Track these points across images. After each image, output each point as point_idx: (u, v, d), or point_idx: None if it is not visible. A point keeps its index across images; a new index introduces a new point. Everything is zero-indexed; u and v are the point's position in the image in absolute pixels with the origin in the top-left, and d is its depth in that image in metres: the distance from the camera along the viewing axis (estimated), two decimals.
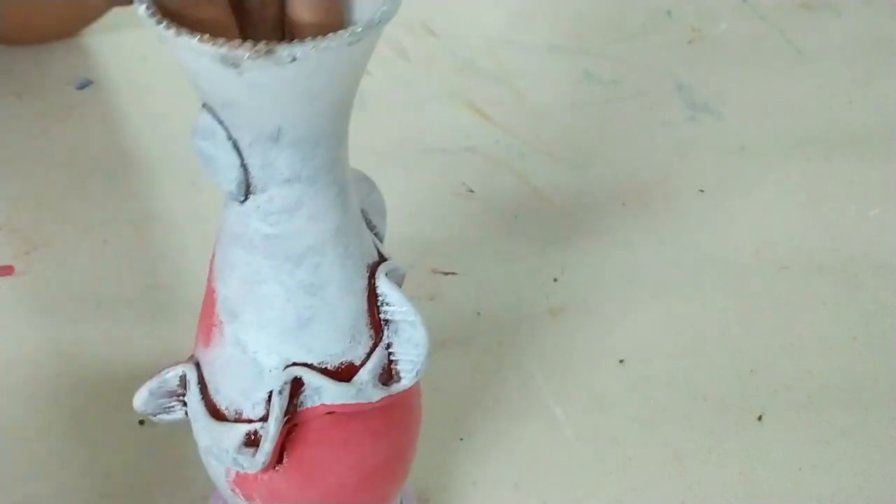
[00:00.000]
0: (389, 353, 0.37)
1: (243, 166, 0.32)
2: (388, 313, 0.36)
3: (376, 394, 0.36)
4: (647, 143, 0.68)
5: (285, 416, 0.35)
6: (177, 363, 0.37)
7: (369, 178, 0.38)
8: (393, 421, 0.39)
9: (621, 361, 0.53)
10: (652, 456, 0.49)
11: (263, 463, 0.35)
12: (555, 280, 0.57)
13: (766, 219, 0.63)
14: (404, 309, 0.36)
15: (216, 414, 0.36)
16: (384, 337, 0.37)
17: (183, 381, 0.37)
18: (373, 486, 0.39)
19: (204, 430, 0.36)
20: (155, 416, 0.38)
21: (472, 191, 0.61)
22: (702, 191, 0.64)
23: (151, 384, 0.37)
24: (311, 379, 0.35)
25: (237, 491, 0.38)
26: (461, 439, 0.48)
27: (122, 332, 0.52)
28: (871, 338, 0.56)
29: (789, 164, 0.67)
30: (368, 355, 0.36)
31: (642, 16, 0.78)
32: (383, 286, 0.36)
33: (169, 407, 0.38)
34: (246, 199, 0.33)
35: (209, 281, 0.36)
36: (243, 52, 0.27)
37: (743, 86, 0.73)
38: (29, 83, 0.64)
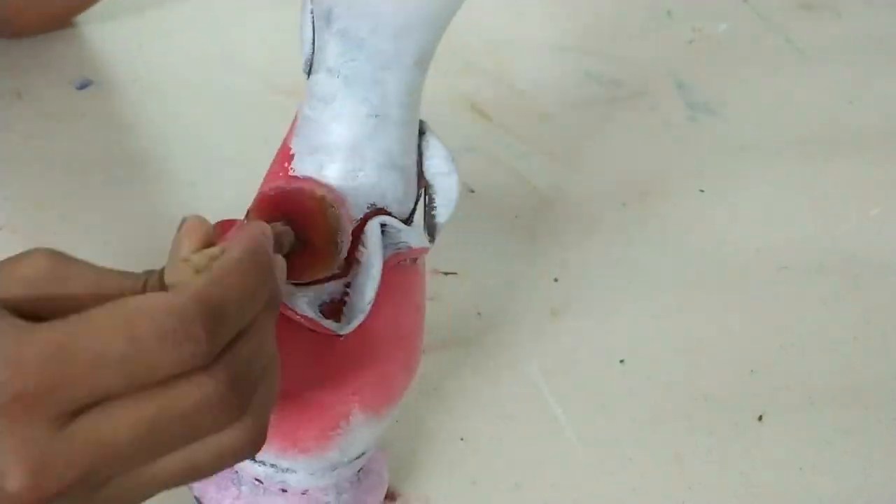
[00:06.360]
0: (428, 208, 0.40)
1: (314, 43, 0.36)
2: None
3: (427, 240, 0.39)
4: (647, 143, 0.68)
5: None
6: None
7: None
8: (422, 283, 0.41)
9: (621, 361, 0.53)
10: (652, 456, 0.49)
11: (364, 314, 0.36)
12: (555, 280, 0.57)
13: (766, 219, 0.63)
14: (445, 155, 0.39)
15: None
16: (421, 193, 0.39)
17: None
18: (415, 350, 0.40)
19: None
20: None
21: (472, 191, 0.61)
22: (702, 191, 0.64)
23: None
24: (393, 222, 0.37)
25: None
26: (461, 439, 0.48)
27: None
28: (871, 338, 0.56)
29: (789, 164, 0.67)
30: (414, 209, 0.39)
31: (642, 16, 0.78)
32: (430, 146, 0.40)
33: None
34: (308, 77, 0.37)
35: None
36: None
37: (743, 86, 0.73)
38: (29, 83, 0.64)
